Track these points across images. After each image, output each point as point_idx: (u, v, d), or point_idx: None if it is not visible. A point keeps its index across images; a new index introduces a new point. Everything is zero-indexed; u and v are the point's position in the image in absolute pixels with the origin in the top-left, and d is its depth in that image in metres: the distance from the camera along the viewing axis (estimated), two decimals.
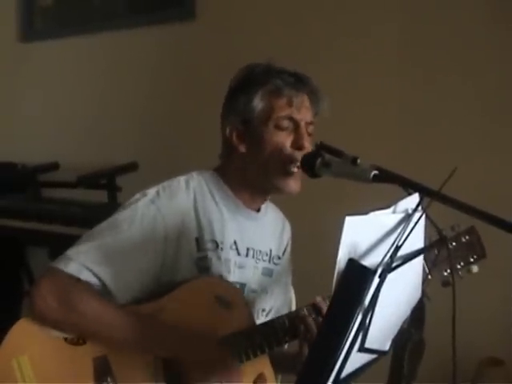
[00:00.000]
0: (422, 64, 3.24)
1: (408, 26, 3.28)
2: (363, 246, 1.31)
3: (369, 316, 1.32)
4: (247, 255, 2.07)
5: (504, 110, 3.09)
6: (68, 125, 4.33)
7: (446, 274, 1.90)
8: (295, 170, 1.93)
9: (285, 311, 2.20)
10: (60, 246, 1.91)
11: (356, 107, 3.36)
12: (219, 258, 1.99)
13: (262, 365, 1.96)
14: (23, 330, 1.85)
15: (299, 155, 1.92)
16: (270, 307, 2.16)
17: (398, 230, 1.36)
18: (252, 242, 2.08)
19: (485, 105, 3.13)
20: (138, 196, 1.98)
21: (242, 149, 2.00)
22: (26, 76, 4.53)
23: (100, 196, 3.84)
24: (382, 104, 3.32)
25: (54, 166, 4.29)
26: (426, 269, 1.80)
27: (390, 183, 1.57)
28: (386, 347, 1.54)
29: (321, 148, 1.73)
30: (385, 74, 3.32)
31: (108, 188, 3.85)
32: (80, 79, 4.29)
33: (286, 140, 1.95)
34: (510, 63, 3.07)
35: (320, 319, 1.90)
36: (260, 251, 2.10)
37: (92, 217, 1.98)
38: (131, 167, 3.88)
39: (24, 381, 1.80)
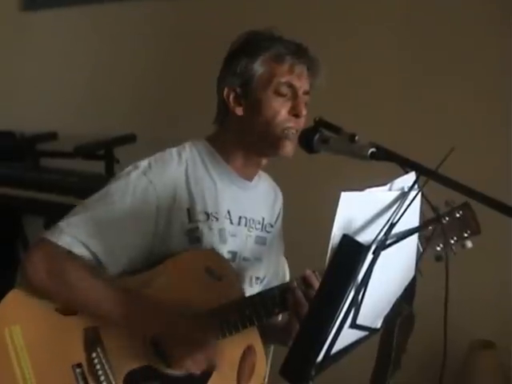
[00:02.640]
0: (422, 46, 3.24)
1: (409, 5, 3.28)
2: (358, 222, 1.32)
3: (361, 292, 1.32)
4: (239, 224, 2.07)
5: (502, 93, 3.09)
6: (67, 95, 4.32)
7: (439, 248, 1.90)
8: (291, 134, 1.95)
9: (277, 281, 2.22)
10: (56, 215, 1.92)
11: (354, 88, 3.35)
12: (211, 228, 1.99)
13: (251, 337, 1.97)
14: (15, 300, 1.86)
15: (296, 122, 1.96)
16: (264, 275, 2.17)
17: (394, 208, 1.37)
18: (244, 211, 2.08)
19: (483, 87, 3.13)
20: (129, 168, 1.98)
21: (239, 111, 2.00)
22: (27, 45, 4.51)
23: (98, 167, 3.83)
24: (380, 85, 3.32)
25: (53, 136, 4.28)
26: (419, 244, 1.80)
27: (387, 161, 1.57)
28: (378, 325, 1.54)
29: (319, 124, 1.72)
30: (384, 55, 3.32)
31: (106, 159, 3.85)
32: (80, 49, 4.27)
33: (283, 106, 1.96)
34: (508, 44, 3.06)
35: (309, 292, 1.90)
36: (253, 220, 2.11)
37: (89, 187, 1.98)
38: (129, 139, 3.87)
39: (15, 350, 1.83)
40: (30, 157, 4.33)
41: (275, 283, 2.19)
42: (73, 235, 1.84)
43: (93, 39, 4.24)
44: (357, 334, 1.46)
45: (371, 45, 3.35)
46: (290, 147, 1.97)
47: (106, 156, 3.86)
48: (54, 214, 1.97)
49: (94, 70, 4.22)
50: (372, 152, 1.60)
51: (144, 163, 1.98)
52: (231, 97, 2.00)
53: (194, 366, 1.84)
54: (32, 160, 4.32)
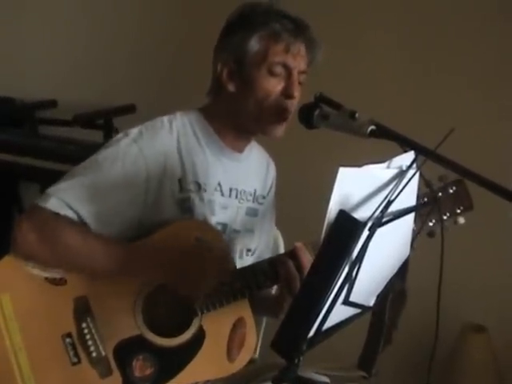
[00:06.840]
0: (425, 24, 3.22)
1: None
2: (355, 198, 1.31)
3: (356, 269, 1.32)
4: (230, 195, 2.07)
5: (504, 74, 3.08)
6: (69, 63, 4.29)
7: (431, 224, 1.89)
8: (281, 117, 1.94)
9: (268, 251, 2.23)
10: (53, 182, 1.92)
11: (356, 65, 3.34)
12: (202, 199, 1.99)
13: (242, 309, 1.97)
14: (6, 269, 1.87)
15: (287, 103, 1.94)
16: (255, 247, 2.17)
17: (391, 186, 1.37)
18: (235, 183, 2.08)
19: (485, 68, 3.12)
20: (120, 135, 1.97)
21: (231, 88, 1.98)
22: (29, 12, 4.48)
23: (96, 136, 3.82)
24: (382, 63, 3.30)
25: (52, 104, 4.27)
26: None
27: (386, 139, 1.57)
28: (371, 303, 1.55)
29: (320, 100, 1.72)
30: (388, 30, 3.30)
31: (104, 128, 3.84)
32: (81, 17, 4.24)
33: (276, 86, 1.94)
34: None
35: (300, 265, 1.88)
36: (244, 191, 2.10)
37: (87, 156, 1.97)
38: (129, 109, 3.85)
39: (4, 319, 1.83)
40: (28, 124, 4.31)
41: (267, 254, 2.20)
42: (60, 199, 1.83)
43: (94, 7, 4.21)
44: (349, 311, 1.47)
45: (373, 23, 3.32)
46: (279, 131, 1.97)
47: (105, 125, 3.83)
48: (51, 182, 1.97)
49: (95, 39, 4.20)
50: (371, 130, 1.60)
51: (134, 131, 1.96)
52: (225, 72, 1.98)
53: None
54: (31, 127, 4.31)
